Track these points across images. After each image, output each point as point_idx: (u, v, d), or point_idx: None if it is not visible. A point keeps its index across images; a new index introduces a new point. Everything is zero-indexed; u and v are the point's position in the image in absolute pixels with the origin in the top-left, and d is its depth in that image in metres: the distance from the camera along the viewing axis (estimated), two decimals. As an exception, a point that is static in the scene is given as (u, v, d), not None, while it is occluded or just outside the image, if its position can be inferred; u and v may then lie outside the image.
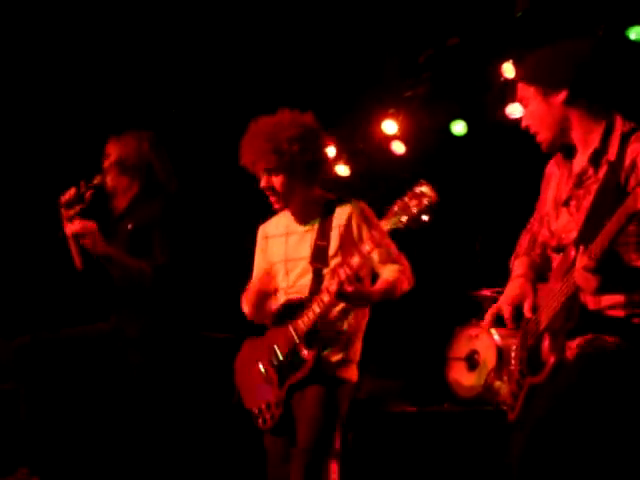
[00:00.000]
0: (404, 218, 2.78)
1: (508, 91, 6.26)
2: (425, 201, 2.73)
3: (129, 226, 3.82)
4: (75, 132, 6.02)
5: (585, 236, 2.60)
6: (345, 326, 3.29)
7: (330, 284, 3.12)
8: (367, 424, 5.57)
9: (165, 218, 3.77)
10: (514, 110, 6.23)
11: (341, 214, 3.28)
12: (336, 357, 3.26)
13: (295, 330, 3.22)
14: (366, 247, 3.01)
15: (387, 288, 3.25)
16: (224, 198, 6.46)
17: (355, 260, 3.01)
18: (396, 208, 2.82)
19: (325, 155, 3.45)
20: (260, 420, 3.33)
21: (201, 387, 6.15)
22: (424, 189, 2.75)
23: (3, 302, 5.94)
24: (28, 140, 6.17)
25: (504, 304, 2.94)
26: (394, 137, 7.19)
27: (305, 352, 3.19)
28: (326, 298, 3.12)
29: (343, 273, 3.00)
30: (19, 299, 6.02)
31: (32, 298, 5.97)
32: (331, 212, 3.24)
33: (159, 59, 6.36)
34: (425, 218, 2.74)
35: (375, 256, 3.23)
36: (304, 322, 3.20)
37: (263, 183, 3.36)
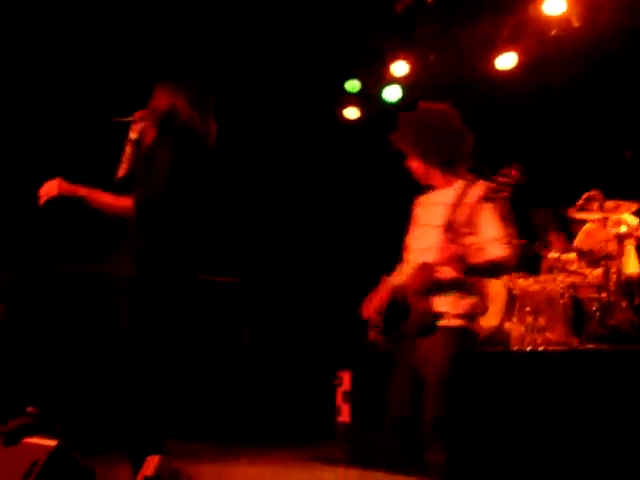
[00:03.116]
0: (492, 195, 3.50)
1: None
2: (507, 181, 3.46)
3: (141, 153, 3.90)
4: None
5: None
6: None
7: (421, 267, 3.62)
8: (375, 366, 5.61)
9: (168, 150, 3.78)
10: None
11: (473, 194, 3.65)
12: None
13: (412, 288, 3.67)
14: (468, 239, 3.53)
15: (488, 267, 3.62)
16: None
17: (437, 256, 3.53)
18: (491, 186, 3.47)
19: (465, 150, 3.79)
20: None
21: (204, 331, 6.22)
22: (508, 172, 3.44)
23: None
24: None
25: None
26: (404, 79, 7.13)
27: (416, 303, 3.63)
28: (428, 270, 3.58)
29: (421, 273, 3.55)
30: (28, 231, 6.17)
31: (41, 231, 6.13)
32: (466, 191, 3.65)
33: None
34: (505, 194, 3.49)
35: (488, 232, 3.62)
36: (415, 282, 3.64)
37: (409, 166, 3.81)
